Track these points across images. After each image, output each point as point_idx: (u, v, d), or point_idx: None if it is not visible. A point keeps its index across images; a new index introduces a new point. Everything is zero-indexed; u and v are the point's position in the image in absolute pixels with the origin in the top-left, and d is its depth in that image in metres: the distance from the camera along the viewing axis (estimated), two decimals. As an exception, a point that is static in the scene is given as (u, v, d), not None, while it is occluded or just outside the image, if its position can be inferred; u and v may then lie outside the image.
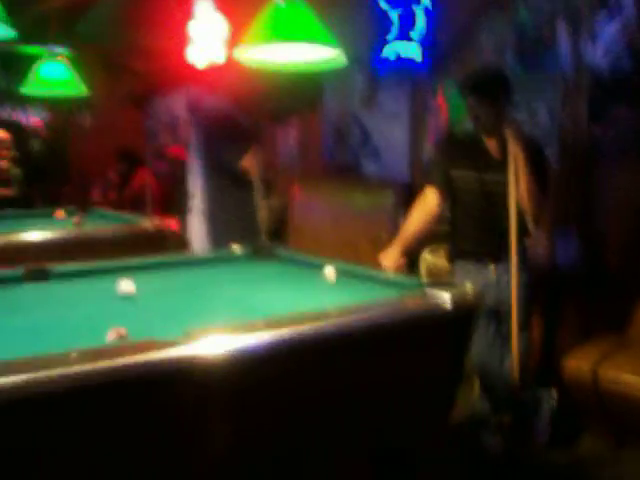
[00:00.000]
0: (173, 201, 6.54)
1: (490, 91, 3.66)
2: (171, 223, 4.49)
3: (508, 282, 3.52)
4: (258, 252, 3.66)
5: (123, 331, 2.03)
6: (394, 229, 5.23)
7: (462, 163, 3.72)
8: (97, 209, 5.92)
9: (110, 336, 2.01)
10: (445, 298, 2.53)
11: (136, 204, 6.13)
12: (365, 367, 2.31)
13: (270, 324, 2.12)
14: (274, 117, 7.01)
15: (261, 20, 3.02)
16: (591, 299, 4.28)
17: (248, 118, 5.89)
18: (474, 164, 3.68)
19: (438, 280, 3.33)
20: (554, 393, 3.80)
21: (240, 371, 1.96)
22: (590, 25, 4.55)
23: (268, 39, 2.99)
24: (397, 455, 2.50)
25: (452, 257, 3.88)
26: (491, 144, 3.66)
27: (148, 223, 4.55)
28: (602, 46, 4.51)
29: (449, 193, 3.77)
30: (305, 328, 2.16)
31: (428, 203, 3.73)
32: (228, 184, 5.33)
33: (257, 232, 5.04)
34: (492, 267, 3.65)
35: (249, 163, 5.01)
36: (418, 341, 2.49)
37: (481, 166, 3.64)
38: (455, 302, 2.53)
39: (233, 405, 1.97)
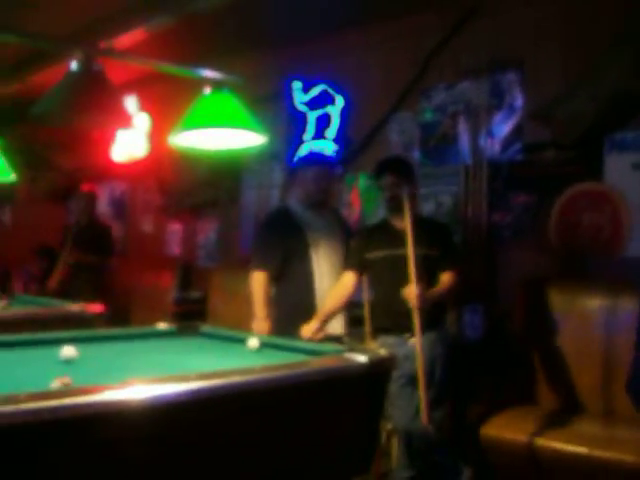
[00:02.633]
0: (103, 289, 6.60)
1: (407, 171, 4.05)
2: (96, 307, 4.57)
3: (430, 354, 3.74)
4: (183, 328, 3.79)
5: (67, 380, 2.15)
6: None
7: (376, 245, 4.01)
8: (22, 295, 5.96)
9: (54, 385, 2.13)
10: (361, 358, 2.72)
11: (59, 295, 6.14)
12: (285, 419, 2.46)
13: (201, 376, 2.28)
14: (195, 209, 7.18)
15: (192, 108, 3.28)
16: (499, 371, 4.43)
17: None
18: (387, 244, 3.95)
19: (356, 346, 3.51)
20: (469, 471, 3.92)
21: (173, 414, 2.11)
22: (488, 123, 4.95)
23: (199, 125, 3.24)
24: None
25: (374, 333, 4.11)
26: (401, 221, 3.84)
27: (74, 306, 4.63)
28: (499, 141, 4.91)
29: (366, 274, 4.12)
30: (230, 380, 2.32)
31: (345, 284, 4.06)
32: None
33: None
34: (411, 341, 3.76)
35: None
36: (336, 396, 2.65)
37: (394, 245, 3.87)
38: (370, 361, 2.71)
39: (166, 443, 2.11)
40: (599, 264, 4.41)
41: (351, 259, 4.14)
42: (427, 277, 3.79)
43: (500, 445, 3.75)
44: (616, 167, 4.40)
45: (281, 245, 4.26)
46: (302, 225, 4.30)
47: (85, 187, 6.99)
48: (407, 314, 3.68)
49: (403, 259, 3.71)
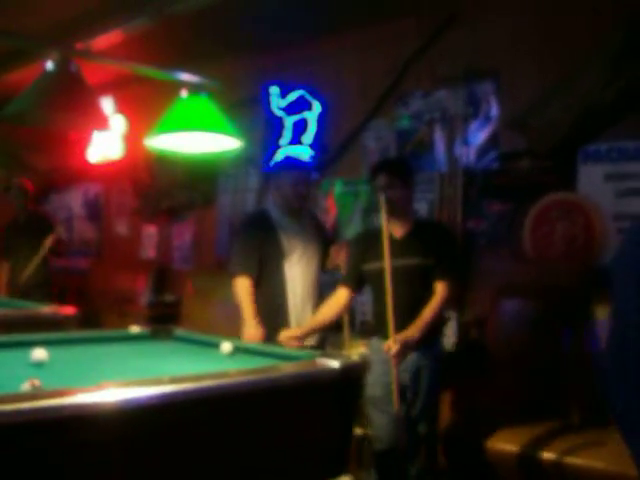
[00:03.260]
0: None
1: (403, 172, 3.85)
2: (68, 309, 4.53)
3: (414, 365, 3.65)
4: (157, 332, 3.78)
5: (37, 382, 2.13)
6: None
7: (373, 255, 3.76)
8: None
9: (25, 387, 2.12)
10: (333, 364, 2.73)
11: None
12: (258, 422, 2.46)
13: (174, 380, 2.28)
14: (171, 213, 7.16)
15: (168, 111, 3.27)
16: (474, 382, 4.44)
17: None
18: (381, 254, 3.68)
19: (329, 352, 3.49)
20: None
21: (146, 418, 2.11)
22: (464, 131, 4.99)
23: (175, 128, 3.23)
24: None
25: (368, 334, 4.03)
26: (395, 227, 3.75)
27: (46, 309, 4.59)
28: (474, 150, 4.94)
29: (363, 285, 3.95)
30: (203, 384, 2.31)
31: (338, 299, 3.88)
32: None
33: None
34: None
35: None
36: (308, 400, 2.66)
37: (391, 255, 3.64)
38: (342, 366, 2.72)
39: (138, 447, 2.10)
40: (573, 273, 4.45)
41: (347, 274, 3.96)
42: (421, 287, 3.68)
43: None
44: (589, 177, 4.45)
45: (259, 249, 4.18)
46: (278, 230, 4.23)
47: (18, 181, 6.81)
48: (403, 321, 3.56)
49: (401, 270, 3.61)
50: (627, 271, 1.73)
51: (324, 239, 4.45)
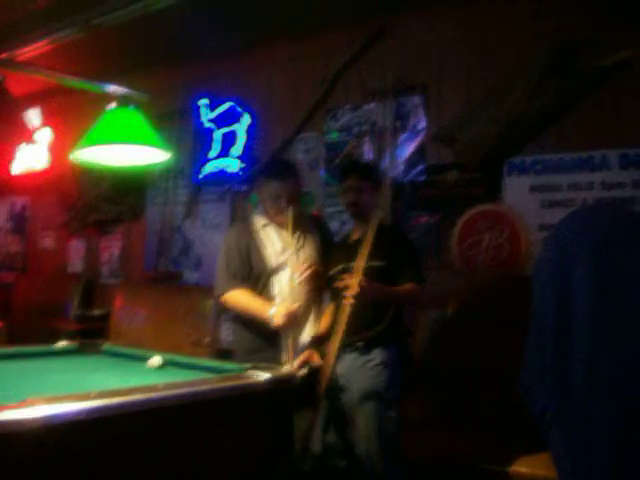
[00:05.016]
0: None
1: (372, 174, 3.87)
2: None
3: (346, 369, 3.56)
4: (85, 346, 3.73)
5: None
6: (216, 334, 5.43)
7: (335, 260, 3.72)
8: None
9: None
10: (261, 377, 2.74)
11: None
12: (187, 436, 2.45)
13: (102, 394, 2.25)
14: (99, 227, 7.06)
15: (96, 123, 3.24)
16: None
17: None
18: (343, 257, 3.66)
19: (260, 365, 3.49)
20: None
21: (73, 433, 2.08)
22: (392, 144, 5.05)
23: (102, 140, 3.20)
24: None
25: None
26: (357, 230, 3.75)
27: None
28: (402, 162, 5.01)
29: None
30: (131, 398, 2.29)
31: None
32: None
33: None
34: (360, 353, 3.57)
35: None
36: (237, 413, 2.67)
37: (349, 255, 3.59)
38: (270, 379, 2.73)
39: (65, 463, 2.07)
40: (498, 282, 4.53)
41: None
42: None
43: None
44: (515, 189, 4.56)
45: (245, 264, 3.66)
46: (265, 243, 3.71)
47: None
48: (360, 326, 3.50)
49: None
50: (544, 275, 1.79)
51: (324, 242, 3.90)
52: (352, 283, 3.35)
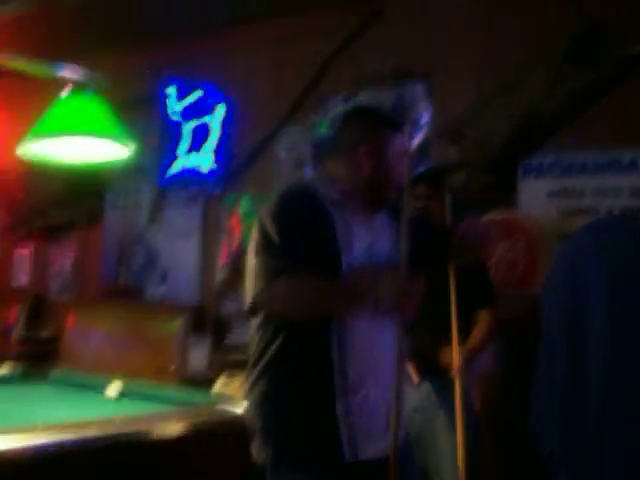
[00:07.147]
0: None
1: (442, 182, 3.91)
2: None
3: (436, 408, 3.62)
4: (30, 373, 3.72)
5: None
6: (184, 359, 5.38)
7: None
8: None
9: None
10: (234, 410, 2.73)
11: None
12: (149, 475, 2.44)
13: (49, 428, 2.24)
14: (48, 233, 7.02)
15: (46, 112, 3.22)
16: None
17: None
18: None
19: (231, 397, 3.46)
20: None
21: (17, 472, 2.06)
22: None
23: (54, 132, 3.19)
24: None
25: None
26: None
27: None
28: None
29: None
30: (84, 434, 2.28)
31: None
32: None
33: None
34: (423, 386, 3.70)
35: None
36: (208, 451, 2.65)
37: None
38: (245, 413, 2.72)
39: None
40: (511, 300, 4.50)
41: None
42: None
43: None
44: (531, 194, 4.56)
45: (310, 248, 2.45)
46: (335, 226, 2.50)
47: None
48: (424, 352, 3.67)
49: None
50: (552, 294, 1.80)
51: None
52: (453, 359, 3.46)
